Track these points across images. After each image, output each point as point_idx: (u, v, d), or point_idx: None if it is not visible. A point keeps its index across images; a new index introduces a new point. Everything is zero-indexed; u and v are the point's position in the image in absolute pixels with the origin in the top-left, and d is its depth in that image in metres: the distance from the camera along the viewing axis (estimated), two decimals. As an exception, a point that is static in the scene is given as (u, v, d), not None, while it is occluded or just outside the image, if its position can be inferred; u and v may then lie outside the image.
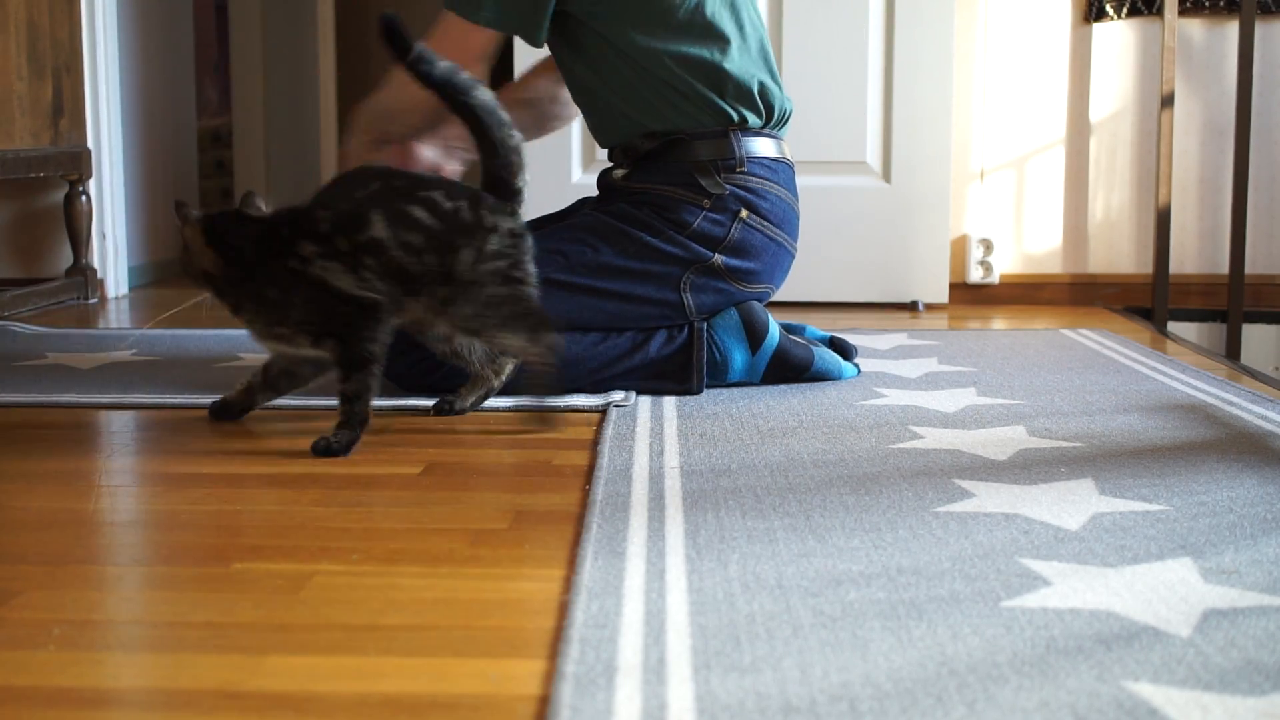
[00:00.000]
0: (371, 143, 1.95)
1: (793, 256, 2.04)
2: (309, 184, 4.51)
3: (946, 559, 1.17)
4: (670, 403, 1.89)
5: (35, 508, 1.40)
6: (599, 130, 2.05)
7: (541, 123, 2.19)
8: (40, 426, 1.79)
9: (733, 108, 1.96)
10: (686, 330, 1.96)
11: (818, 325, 2.24)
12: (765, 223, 1.97)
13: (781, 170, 2.01)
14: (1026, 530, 1.26)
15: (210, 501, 1.42)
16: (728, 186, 1.94)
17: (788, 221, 2.01)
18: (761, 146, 1.98)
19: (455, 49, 1.79)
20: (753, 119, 1.98)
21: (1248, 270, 3.14)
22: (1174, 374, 2.14)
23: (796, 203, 2.05)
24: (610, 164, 2.08)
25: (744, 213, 1.95)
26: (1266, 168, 3.21)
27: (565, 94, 2.12)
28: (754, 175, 1.96)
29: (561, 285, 1.91)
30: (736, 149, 1.95)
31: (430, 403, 1.86)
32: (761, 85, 1.99)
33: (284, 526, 1.31)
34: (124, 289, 3.44)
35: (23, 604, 1.09)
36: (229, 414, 1.80)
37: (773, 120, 2.02)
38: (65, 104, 3.16)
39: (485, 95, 1.67)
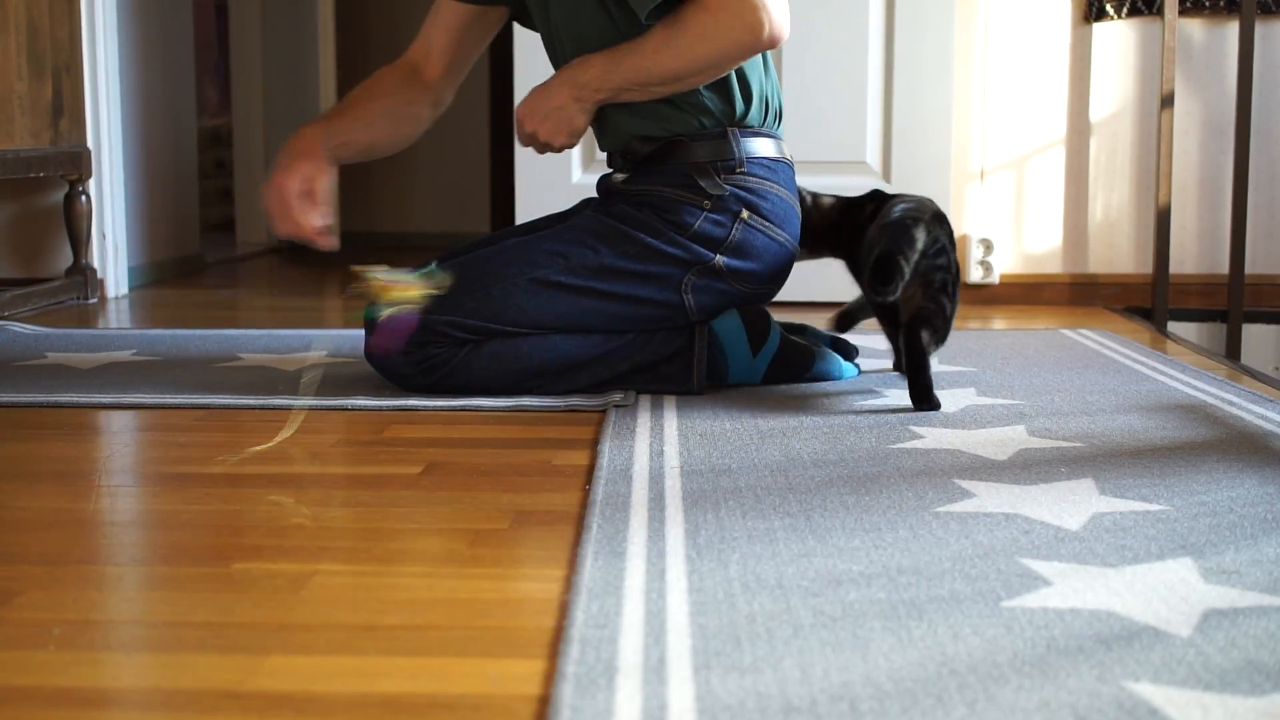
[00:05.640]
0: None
1: (794, 256, 2.04)
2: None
3: (946, 559, 1.17)
4: (670, 403, 1.89)
5: (35, 508, 1.40)
6: (598, 134, 2.06)
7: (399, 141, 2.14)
8: (40, 426, 1.79)
9: (732, 104, 1.96)
10: (687, 331, 1.96)
11: (819, 325, 2.24)
12: (766, 223, 1.96)
13: (781, 170, 2.00)
14: (1027, 530, 1.26)
15: (210, 501, 1.42)
16: (727, 187, 1.94)
17: (789, 222, 2.01)
18: (761, 147, 1.98)
19: None
20: (753, 114, 1.98)
21: (1248, 270, 3.14)
22: (1174, 374, 2.14)
23: (797, 203, 2.05)
24: (610, 169, 2.08)
25: (745, 213, 1.95)
26: (1266, 168, 3.21)
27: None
28: (754, 175, 1.96)
29: (563, 287, 1.91)
30: (735, 149, 1.95)
31: (430, 402, 1.87)
32: (761, 82, 1.99)
33: (284, 526, 1.31)
34: (124, 289, 3.44)
35: (23, 604, 1.09)
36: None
37: (769, 116, 2.02)
38: (65, 104, 3.16)
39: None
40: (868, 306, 2.16)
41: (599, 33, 1.93)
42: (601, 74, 1.91)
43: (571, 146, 2.01)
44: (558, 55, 2.03)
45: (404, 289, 1.82)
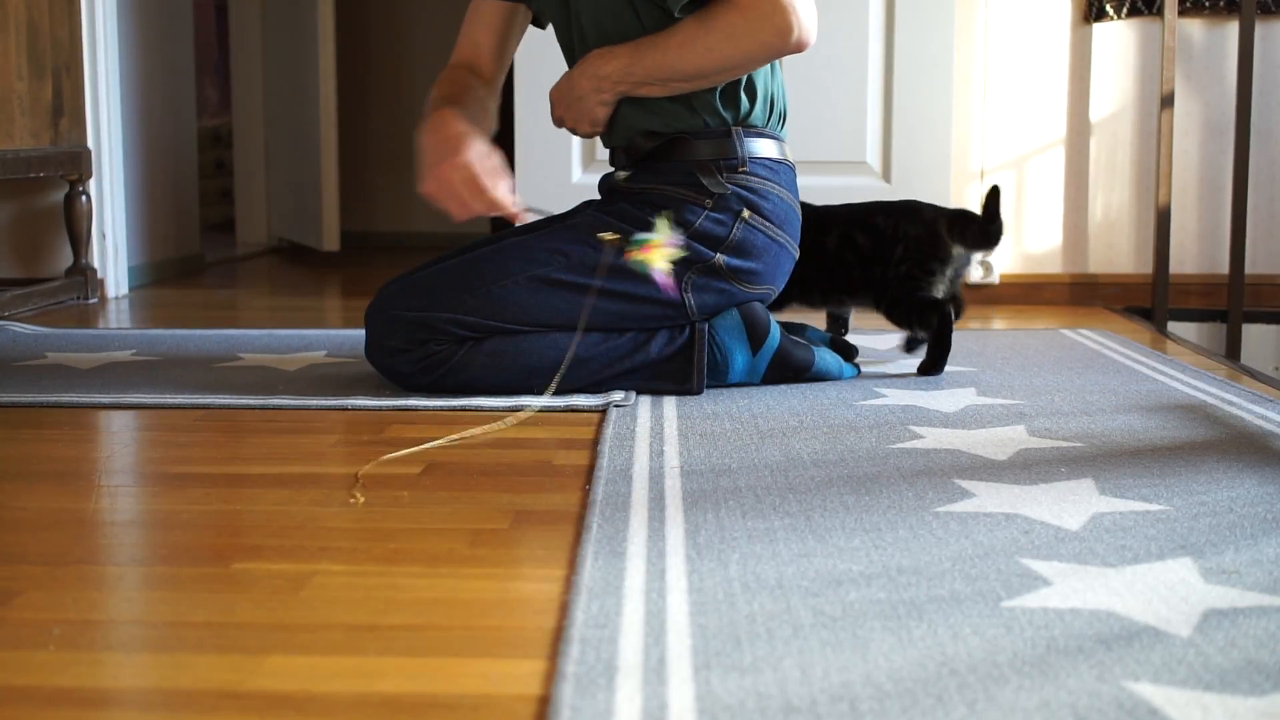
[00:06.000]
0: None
1: (794, 258, 2.04)
2: (308, 182, 4.51)
3: (946, 559, 1.17)
4: (670, 403, 1.89)
5: (35, 508, 1.40)
6: (604, 131, 2.05)
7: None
8: (40, 426, 1.79)
9: (737, 103, 1.96)
10: (687, 330, 1.96)
11: (818, 325, 2.24)
12: (767, 223, 1.97)
13: (783, 171, 2.01)
14: (1026, 530, 1.26)
15: (210, 501, 1.42)
16: (730, 186, 1.94)
17: (789, 222, 2.01)
18: (763, 147, 1.98)
19: None
20: (757, 113, 1.98)
21: (1248, 270, 3.14)
22: (1174, 374, 2.14)
23: (798, 204, 2.05)
24: (612, 167, 2.08)
25: (746, 213, 1.95)
26: (1266, 168, 3.21)
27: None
28: (756, 175, 1.96)
29: (563, 284, 1.91)
30: (738, 149, 1.95)
31: (430, 402, 1.87)
32: (767, 82, 1.99)
33: (284, 526, 1.31)
34: (124, 289, 3.44)
35: (23, 604, 1.09)
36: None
37: (773, 116, 2.02)
38: (65, 104, 3.16)
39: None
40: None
41: (621, 26, 1.93)
42: (623, 66, 1.92)
43: (597, 134, 2.05)
44: (577, 52, 2.02)
45: (659, 248, 1.77)
